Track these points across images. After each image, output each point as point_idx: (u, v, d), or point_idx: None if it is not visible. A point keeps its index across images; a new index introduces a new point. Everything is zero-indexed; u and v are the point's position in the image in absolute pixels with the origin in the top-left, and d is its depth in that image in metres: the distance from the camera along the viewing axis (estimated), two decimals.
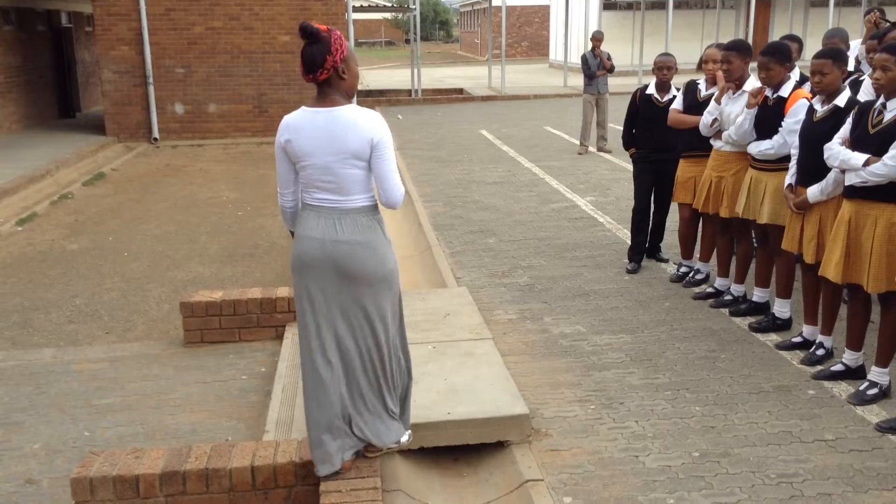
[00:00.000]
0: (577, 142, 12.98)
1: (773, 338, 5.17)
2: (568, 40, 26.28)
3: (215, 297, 5.74)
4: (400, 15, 45.56)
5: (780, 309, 5.29)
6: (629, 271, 6.58)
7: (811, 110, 4.72)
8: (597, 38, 12.59)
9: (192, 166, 14.04)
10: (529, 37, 44.83)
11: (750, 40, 21.72)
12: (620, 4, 29.44)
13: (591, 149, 12.79)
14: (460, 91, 22.64)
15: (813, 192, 4.56)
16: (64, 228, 9.66)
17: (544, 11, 40.60)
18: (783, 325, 5.27)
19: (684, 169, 6.09)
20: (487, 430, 3.97)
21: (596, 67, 12.34)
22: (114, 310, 6.77)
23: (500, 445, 4.00)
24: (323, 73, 3.19)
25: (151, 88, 16.40)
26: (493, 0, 27.48)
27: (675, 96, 6.31)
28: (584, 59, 12.54)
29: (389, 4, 25.51)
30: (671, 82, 6.50)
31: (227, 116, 16.70)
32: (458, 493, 3.80)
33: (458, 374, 4.43)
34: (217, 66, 16.63)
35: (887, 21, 6.84)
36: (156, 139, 16.46)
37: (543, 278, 6.49)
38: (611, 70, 12.53)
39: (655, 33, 25.73)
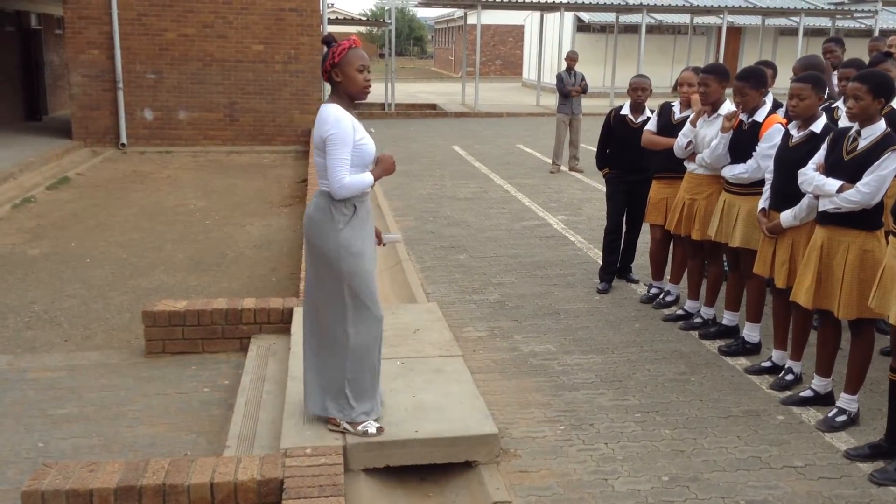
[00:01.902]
0: (550, 160, 13.00)
1: (743, 362, 5.16)
2: (541, 60, 26.45)
3: (179, 306, 5.61)
4: (374, 29, 45.62)
5: (750, 333, 5.28)
6: (600, 291, 6.55)
7: (787, 135, 4.73)
8: (571, 58, 12.65)
9: (159, 173, 13.83)
10: (503, 55, 45.10)
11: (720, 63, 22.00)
12: (594, 27, 29.72)
13: (564, 168, 12.83)
14: (433, 106, 22.63)
15: (786, 216, 4.56)
16: (25, 233, 9.43)
17: (518, 31, 40.89)
18: (752, 350, 5.26)
19: (657, 190, 6.10)
20: (455, 449, 3.89)
21: (571, 85, 12.39)
22: (74, 317, 6.60)
23: (467, 465, 3.92)
24: (323, 74, 3.79)
25: (121, 93, 16.17)
26: (469, 18, 27.58)
27: (649, 118, 6.32)
28: (559, 77, 12.59)
29: (365, 18, 25.50)
30: (646, 104, 6.52)
31: (197, 124, 16.52)
32: None
33: (426, 391, 4.34)
34: (188, 74, 16.45)
35: (840, 50, 6.95)
36: (124, 144, 16.21)
37: (514, 296, 6.45)
38: (584, 91, 12.59)
39: (628, 56, 26.00)
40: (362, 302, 3.84)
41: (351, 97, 3.79)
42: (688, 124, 5.62)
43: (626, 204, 6.64)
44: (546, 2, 22.56)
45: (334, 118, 3.70)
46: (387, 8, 22.02)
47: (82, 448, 4.30)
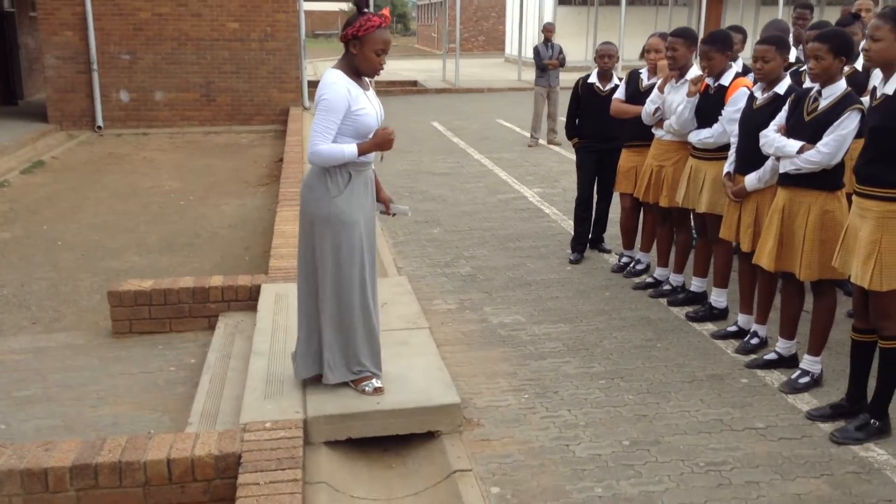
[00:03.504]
0: (528, 134, 12.94)
1: (710, 327, 5.16)
2: (523, 35, 26.27)
3: (145, 286, 5.56)
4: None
5: (717, 298, 5.28)
6: (571, 262, 6.53)
7: (751, 98, 4.70)
8: (548, 30, 12.55)
9: (135, 155, 13.70)
10: (486, 31, 44.80)
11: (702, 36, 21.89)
12: (575, 0, 29.53)
13: (542, 141, 12.77)
14: (414, 83, 22.47)
15: (750, 179, 4.54)
16: None
17: (500, 6, 40.59)
18: (720, 315, 5.26)
19: (626, 158, 6.06)
20: (417, 419, 3.87)
21: (548, 58, 12.30)
22: (42, 300, 6.53)
23: (430, 436, 3.91)
24: (341, 36, 3.72)
25: (96, 75, 15.96)
26: None
27: (617, 85, 6.28)
28: (536, 50, 12.50)
29: None
30: (613, 71, 6.47)
31: (174, 105, 16.34)
32: (385, 485, 3.70)
33: (390, 363, 4.30)
34: (164, 54, 16.24)
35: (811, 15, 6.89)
36: (100, 127, 16.04)
37: (486, 268, 6.42)
38: (562, 64, 12.50)
39: (609, 28, 25.83)
40: (350, 272, 3.83)
41: (360, 73, 3.74)
42: (655, 90, 5.58)
43: (596, 173, 6.61)
44: None
45: (330, 83, 3.66)
46: None
47: (44, 429, 4.26)
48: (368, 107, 3.73)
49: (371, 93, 3.86)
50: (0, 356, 5.24)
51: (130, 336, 5.53)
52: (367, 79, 3.87)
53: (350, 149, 3.69)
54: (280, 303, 5.24)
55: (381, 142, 3.77)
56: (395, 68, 29.15)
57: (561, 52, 12.53)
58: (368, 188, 3.88)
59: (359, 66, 3.73)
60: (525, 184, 9.62)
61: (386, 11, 3.75)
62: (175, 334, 5.53)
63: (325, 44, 52.71)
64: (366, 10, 3.72)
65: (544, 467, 3.63)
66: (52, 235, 8.51)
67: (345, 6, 45.41)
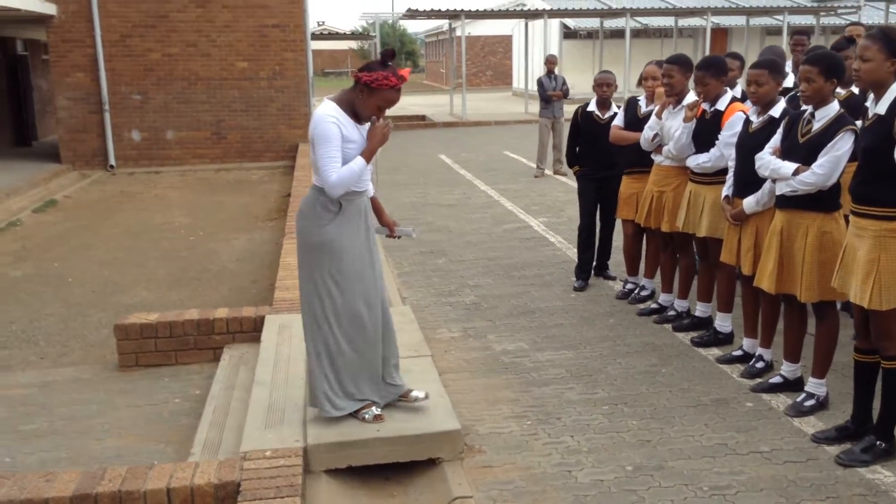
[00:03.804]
0: (534, 165, 13.01)
1: (715, 352, 5.14)
2: (529, 68, 26.51)
3: (151, 319, 5.60)
4: (365, 45, 45.83)
5: (722, 323, 5.26)
6: (576, 289, 6.54)
7: (747, 122, 4.73)
8: (551, 62, 12.68)
9: (147, 193, 13.85)
10: (493, 66, 45.20)
11: None
12: (580, 33, 29.80)
13: (548, 171, 12.82)
14: (422, 118, 22.67)
15: (749, 202, 4.55)
16: (8, 255, 9.42)
17: (507, 42, 41.00)
18: (725, 340, 5.24)
19: (627, 185, 6.09)
20: (418, 447, 3.87)
21: (551, 89, 12.41)
22: (51, 335, 6.58)
23: (432, 463, 3.89)
24: (355, 75, 3.76)
25: (108, 115, 16.21)
26: (456, 30, 27.68)
27: (615, 113, 6.32)
28: (539, 82, 12.61)
29: (349, 32, 25.58)
30: (611, 99, 6.52)
31: (185, 143, 16.54)
32: None
33: None
34: (174, 93, 16.50)
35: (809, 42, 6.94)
36: (112, 166, 16.24)
37: (490, 297, 6.43)
38: (565, 95, 12.60)
39: (614, 61, 26.03)
40: (341, 300, 3.85)
41: (360, 116, 3.77)
42: (653, 116, 5.62)
43: (597, 200, 6.64)
44: (529, 10, 22.63)
45: (320, 116, 3.72)
46: (370, 22, 22.04)
47: (49, 462, 4.27)
48: (359, 143, 3.75)
49: (365, 126, 3.85)
50: (7, 391, 5.27)
51: (137, 369, 5.55)
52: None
53: (357, 162, 3.72)
54: (283, 333, 5.26)
55: (378, 137, 3.77)
56: (403, 104, 29.38)
57: (564, 83, 12.65)
58: (362, 215, 3.90)
59: (358, 109, 3.76)
60: (531, 213, 9.65)
61: (405, 72, 3.76)
62: (181, 366, 5.56)
63: (334, 82, 53.29)
64: (390, 63, 3.74)
65: (546, 493, 3.61)
66: (63, 272, 8.58)
67: (354, 45, 46.02)
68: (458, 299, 6.40)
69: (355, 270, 3.85)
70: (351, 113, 3.76)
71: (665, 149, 5.51)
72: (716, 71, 5.09)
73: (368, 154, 3.76)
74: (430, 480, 3.82)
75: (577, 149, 6.71)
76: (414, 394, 4.08)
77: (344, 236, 3.81)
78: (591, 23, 27.98)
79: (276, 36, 16.65)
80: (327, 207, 3.79)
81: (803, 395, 4.32)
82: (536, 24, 27.06)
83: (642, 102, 6.05)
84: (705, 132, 5.13)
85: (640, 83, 6.12)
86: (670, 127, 5.48)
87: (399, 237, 4.23)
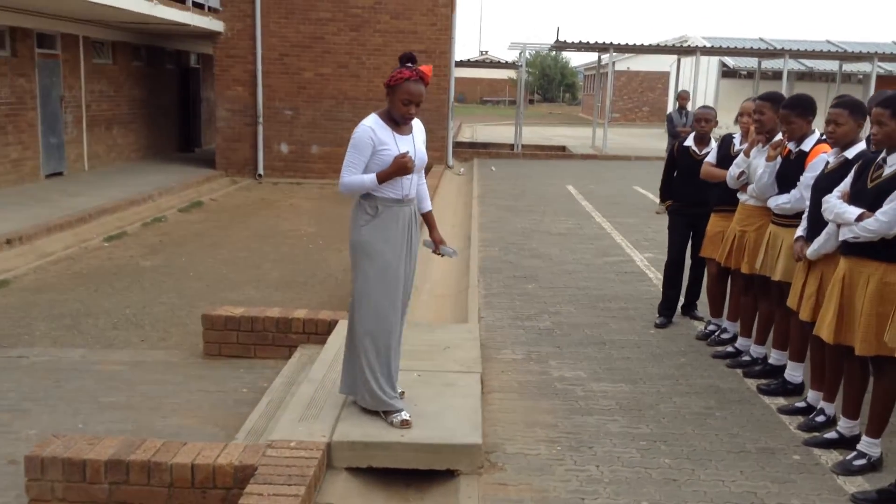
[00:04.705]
0: (659, 201, 12.73)
1: (780, 401, 4.90)
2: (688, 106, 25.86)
3: (236, 312, 5.97)
4: (526, 76, 46.31)
5: (792, 373, 5.01)
6: (657, 325, 6.39)
7: (826, 163, 4.52)
8: (683, 97, 12.44)
9: (284, 201, 14.63)
10: (650, 102, 44.49)
11: None
12: (740, 73, 28.87)
13: None
14: (563, 148, 22.66)
15: (812, 246, 4.35)
16: (146, 247, 10.25)
17: (666, 78, 40.27)
18: (794, 390, 4.98)
19: (714, 223, 5.92)
20: (438, 456, 3.94)
21: (681, 125, 12.16)
22: (157, 321, 7.12)
23: (451, 475, 3.95)
24: (385, 85, 4.05)
25: (261, 128, 17.30)
26: (618, 65, 27.49)
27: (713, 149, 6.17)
28: (669, 117, 12.40)
29: (498, 61, 25.96)
30: (711, 135, 6.37)
31: (328, 158, 17.34)
32: None
33: (431, 402, 4.41)
34: (322, 110, 17.39)
35: None
36: (260, 175, 17.28)
37: (566, 324, 6.40)
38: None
39: None
40: (370, 300, 4.08)
41: (394, 118, 4.04)
42: (741, 154, 5.46)
43: (688, 237, 6.48)
44: (681, 45, 22.19)
45: (359, 126, 4.04)
46: (520, 52, 22.31)
47: (114, 431, 4.65)
48: (392, 147, 3.95)
49: (410, 137, 4.06)
50: (102, 366, 5.77)
51: (219, 358, 5.93)
52: (414, 123, 4.11)
53: (369, 177, 3.97)
54: None
55: (396, 167, 3.97)
56: (549, 134, 29.52)
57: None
58: (401, 224, 4.07)
59: (392, 112, 4.03)
60: (638, 248, 9.49)
61: (425, 68, 3.97)
62: (258, 360, 5.88)
63: (491, 109, 54.11)
64: (410, 64, 3.97)
65: None
66: (187, 266, 9.25)
67: (513, 74, 46.50)
68: (534, 324, 6.41)
69: (386, 275, 4.01)
70: (389, 121, 4.02)
71: (749, 188, 5.33)
72: (802, 110, 4.89)
73: (383, 176, 3.96)
74: (446, 491, 3.88)
75: (671, 184, 6.58)
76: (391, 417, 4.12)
77: (378, 240, 4.03)
78: (751, 62, 27.05)
79: (421, 61, 16.94)
80: (365, 210, 4.06)
81: (854, 453, 4.06)
82: (699, 62, 26.51)
83: (737, 139, 5.88)
84: (789, 173, 4.93)
85: (736, 120, 5.95)
86: (757, 166, 5.30)
87: (442, 255, 4.36)
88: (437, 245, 4.35)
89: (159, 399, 5.20)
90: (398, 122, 4.04)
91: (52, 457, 3.66)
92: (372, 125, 3.98)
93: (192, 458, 3.68)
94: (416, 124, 4.20)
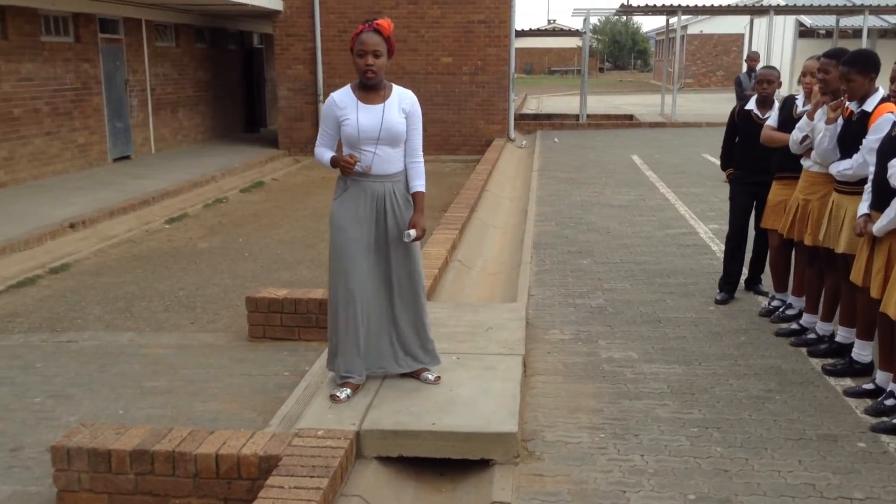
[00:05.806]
0: None
1: (847, 383, 4.56)
2: (757, 68, 24.87)
3: (279, 294, 5.88)
4: (594, 43, 45.31)
5: (860, 352, 4.65)
6: (717, 301, 6.06)
7: (894, 125, 4.13)
8: (752, 59, 11.84)
9: None
10: (725, 66, 42.94)
11: None
12: (818, 32, 27.55)
13: None
14: (630, 117, 22.02)
15: (877, 224, 3.98)
16: (205, 229, 10.32)
17: (741, 40, 38.80)
18: (862, 371, 4.63)
19: (776, 191, 5.55)
20: (470, 445, 3.76)
21: (750, 88, 11.58)
22: (208, 303, 7.12)
23: (486, 464, 3.77)
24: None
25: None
26: (690, 27, 26.55)
27: None
28: (737, 80, 11.83)
29: (562, 28, 25.33)
30: (774, 98, 5.96)
31: None
32: None
33: (467, 386, 4.24)
34: None
35: None
36: None
37: (619, 302, 6.13)
38: None
39: None
40: (336, 272, 4.14)
41: (363, 85, 3.99)
42: (804, 117, 5.07)
43: (750, 208, 6.11)
44: (754, 5, 21.22)
45: (329, 96, 4.09)
46: (583, 19, 21.68)
47: (154, 417, 4.62)
48: (352, 118, 3.92)
49: (380, 106, 3.92)
50: (149, 350, 5.77)
51: (263, 341, 5.86)
52: (392, 90, 4.05)
53: (328, 157, 4.06)
54: None
55: (337, 160, 4.01)
56: (618, 102, 28.78)
57: None
58: (369, 199, 4.03)
59: (359, 76, 3.99)
60: (703, 220, 9.08)
61: (382, 21, 3.95)
62: (302, 342, 5.79)
63: (559, 80, 53.16)
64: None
65: None
66: (243, 247, 9.26)
67: (579, 42, 45.62)
68: (585, 301, 6.16)
69: (347, 250, 4.03)
70: (358, 89, 4.03)
71: (813, 153, 4.95)
72: (862, 67, 4.48)
73: (333, 162, 4.03)
74: (479, 481, 3.71)
75: (733, 151, 6.21)
76: (425, 375, 4.25)
77: (344, 215, 4.06)
78: (830, 20, 25.77)
79: (480, 31, 16.89)
80: (339, 185, 4.12)
81: None
82: (772, 21, 25.43)
83: (800, 101, 5.48)
84: (851, 136, 4.54)
85: (799, 80, 5.54)
86: (821, 129, 4.91)
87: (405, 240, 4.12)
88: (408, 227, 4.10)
89: (201, 383, 5.15)
90: (367, 88, 3.96)
91: (77, 447, 3.61)
92: (336, 94, 3.99)
93: (217, 448, 3.59)
94: (401, 94, 4.08)
